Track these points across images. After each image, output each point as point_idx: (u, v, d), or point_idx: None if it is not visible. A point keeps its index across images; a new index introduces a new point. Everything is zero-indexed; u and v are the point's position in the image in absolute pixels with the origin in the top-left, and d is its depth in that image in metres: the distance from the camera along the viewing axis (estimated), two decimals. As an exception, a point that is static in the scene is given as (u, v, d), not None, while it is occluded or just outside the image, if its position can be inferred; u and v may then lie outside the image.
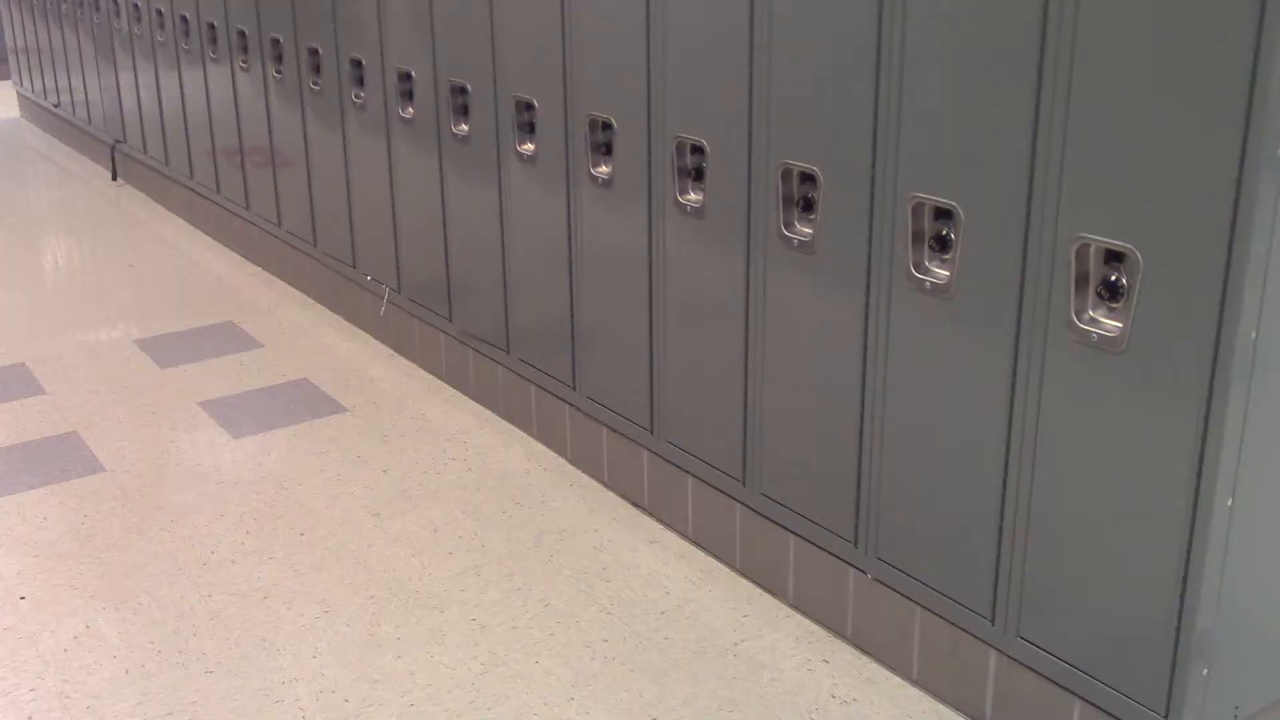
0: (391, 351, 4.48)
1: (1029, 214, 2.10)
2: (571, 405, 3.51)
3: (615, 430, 3.33)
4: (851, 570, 2.66)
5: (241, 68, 5.12)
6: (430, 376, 4.25)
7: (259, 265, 5.47)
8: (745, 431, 2.85)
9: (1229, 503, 1.98)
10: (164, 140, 6.20)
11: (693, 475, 3.07)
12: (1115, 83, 1.93)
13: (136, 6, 6.13)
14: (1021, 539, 2.25)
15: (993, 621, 2.35)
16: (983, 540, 2.33)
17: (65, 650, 2.78)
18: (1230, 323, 1.87)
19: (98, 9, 6.70)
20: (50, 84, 7.95)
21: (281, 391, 4.18)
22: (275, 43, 4.75)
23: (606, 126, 3.09)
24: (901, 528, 2.54)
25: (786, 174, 2.56)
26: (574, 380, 3.47)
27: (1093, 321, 2.05)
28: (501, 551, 3.15)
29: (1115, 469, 2.07)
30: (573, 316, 3.39)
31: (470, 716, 2.54)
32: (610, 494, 3.42)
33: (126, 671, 2.70)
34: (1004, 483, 2.27)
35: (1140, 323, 1.98)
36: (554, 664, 2.69)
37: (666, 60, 2.83)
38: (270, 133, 5.01)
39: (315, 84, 4.52)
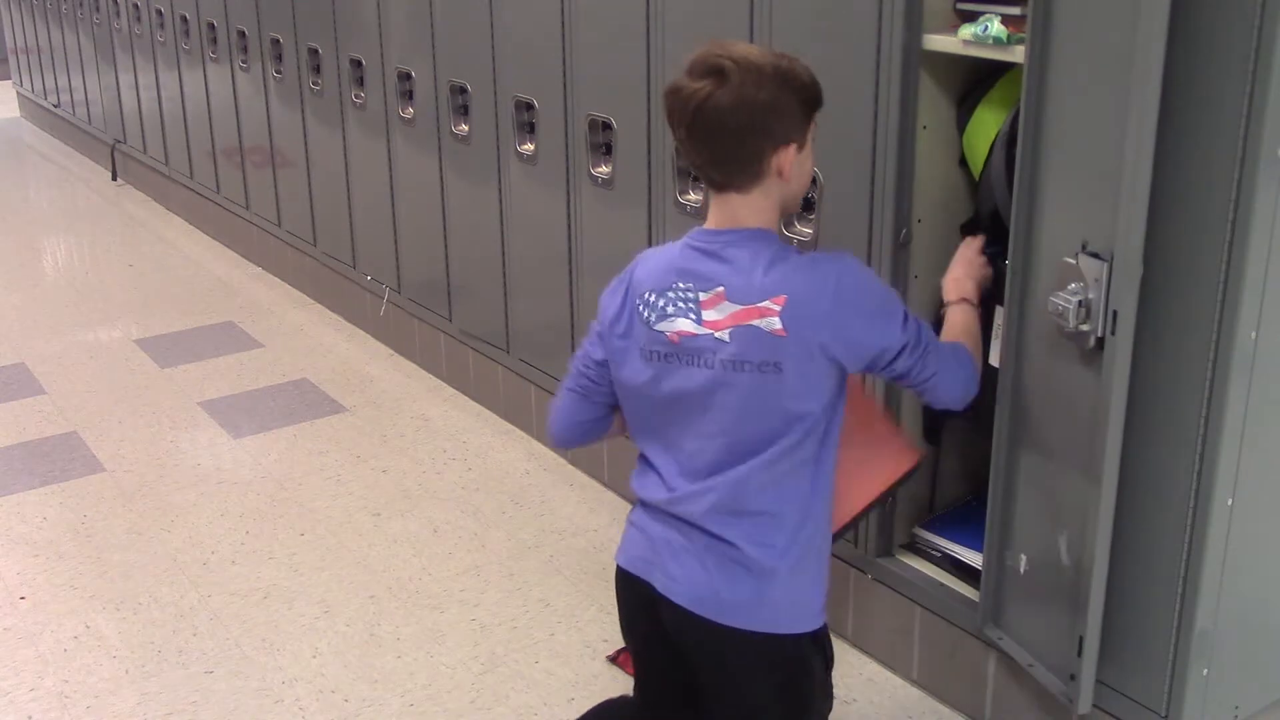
0: (391, 351, 4.48)
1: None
2: (571, 405, 3.51)
3: (615, 430, 3.33)
4: (852, 570, 2.66)
5: (241, 68, 5.12)
6: (430, 376, 4.25)
7: (259, 265, 5.47)
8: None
9: (1229, 503, 1.97)
10: (164, 140, 6.20)
11: (693, 475, 3.06)
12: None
13: (136, 6, 6.13)
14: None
15: (994, 622, 2.35)
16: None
17: (65, 650, 2.78)
18: (1230, 323, 1.87)
19: (98, 9, 6.70)
20: (50, 84, 7.95)
21: (281, 391, 4.18)
22: (275, 43, 4.75)
23: (606, 126, 3.09)
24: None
25: (786, 174, 2.56)
26: (574, 380, 3.46)
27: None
28: (501, 551, 3.15)
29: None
30: (573, 316, 3.39)
31: (470, 716, 2.54)
32: (610, 494, 3.42)
33: (126, 671, 2.70)
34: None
35: (1140, 322, 1.98)
36: (554, 664, 2.69)
37: (665, 61, 2.82)
38: (270, 133, 5.01)
39: (315, 84, 4.51)
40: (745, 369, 1.74)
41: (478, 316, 3.89)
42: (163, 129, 6.19)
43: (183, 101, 5.84)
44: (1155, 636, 2.07)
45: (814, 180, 2.49)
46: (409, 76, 3.92)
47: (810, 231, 2.54)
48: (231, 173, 5.50)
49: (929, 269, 2.43)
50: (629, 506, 2.06)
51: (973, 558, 2.44)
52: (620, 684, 2.61)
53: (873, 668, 2.66)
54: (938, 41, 2.24)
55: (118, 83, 6.66)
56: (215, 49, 5.32)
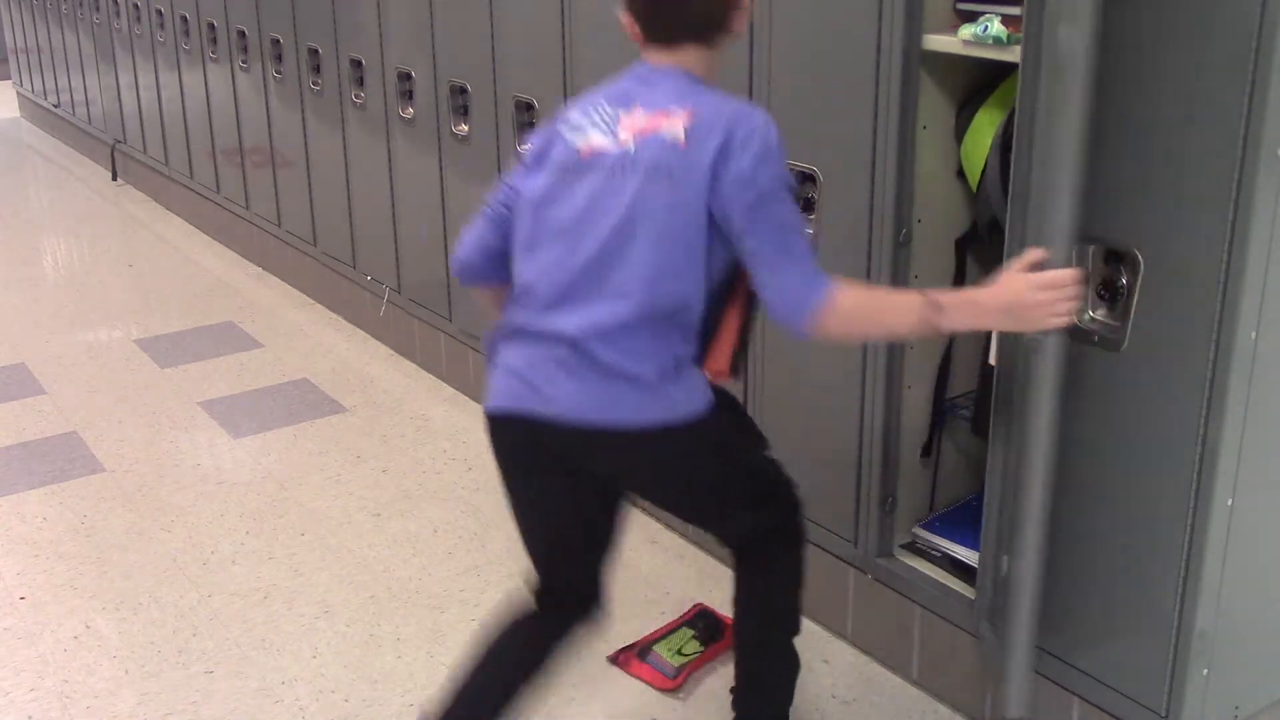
0: (391, 351, 4.48)
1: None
2: (571, 405, 3.51)
3: (615, 430, 3.32)
4: (851, 570, 2.66)
5: (241, 68, 5.12)
6: (430, 376, 4.25)
7: (259, 265, 5.47)
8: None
9: (1229, 503, 1.98)
10: (164, 140, 6.21)
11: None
12: (1111, 82, 1.93)
13: (136, 6, 6.13)
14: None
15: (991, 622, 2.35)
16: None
17: (65, 650, 2.78)
18: (1230, 323, 1.87)
19: (98, 9, 6.70)
20: (50, 84, 7.95)
21: (281, 391, 4.18)
22: (275, 43, 4.75)
23: (606, 126, 3.09)
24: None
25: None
26: (574, 380, 3.46)
27: (1093, 320, 2.05)
28: (501, 551, 3.15)
29: (1115, 468, 2.07)
30: (573, 316, 3.39)
31: (470, 716, 2.54)
32: (610, 494, 3.42)
33: (126, 671, 2.70)
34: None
35: (1140, 322, 1.98)
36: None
37: (666, 60, 2.82)
38: (270, 133, 5.01)
39: (315, 84, 4.52)
40: (633, 175, 1.82)
41: (478, 316, 3.88)
42: (162, 129, 6.19)
43: (183, 101, 5.84)
44: (1155, 636, 2.07)
45: (814, 180, 2.49)
46: (409, 76, 3.92)
47: (810, 231, 2.54)
48: (231, 173, 5.50)
49: (929, 269, 2.43)
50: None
51: (973, 558, 2.44)
52: (621, 684, 2.61)
53: (873, 668, 2.66)
54: (938, 41, 2.24)
55: (118, 83, 6.66)
56: (215, 49, 5.32)
